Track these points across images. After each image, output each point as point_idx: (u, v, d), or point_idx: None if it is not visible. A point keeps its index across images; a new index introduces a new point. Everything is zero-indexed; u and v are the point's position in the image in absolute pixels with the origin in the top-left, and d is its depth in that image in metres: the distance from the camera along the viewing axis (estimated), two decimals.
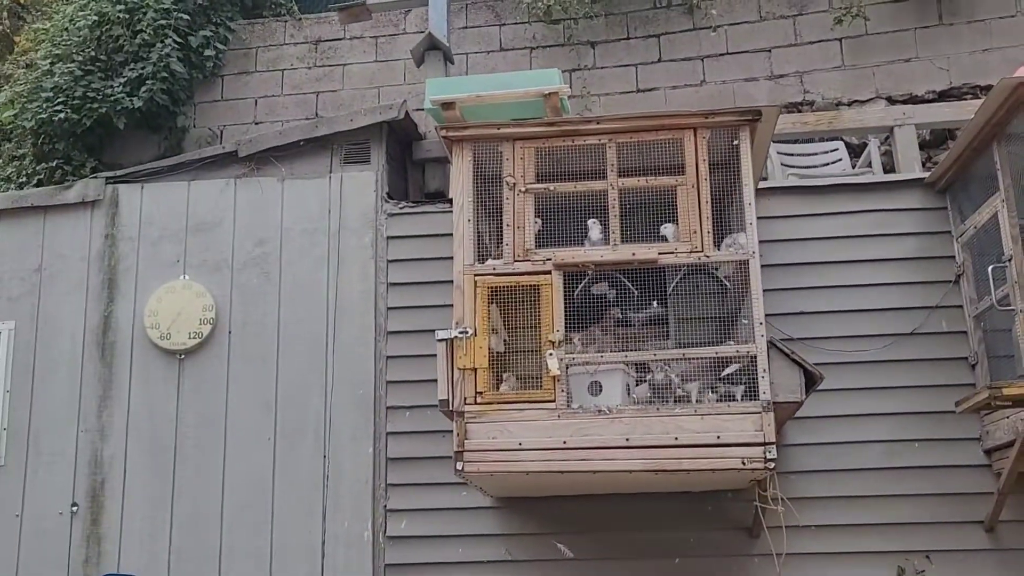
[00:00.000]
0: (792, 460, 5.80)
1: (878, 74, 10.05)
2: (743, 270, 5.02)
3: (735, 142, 5.13)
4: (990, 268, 5.32)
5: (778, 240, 6.13)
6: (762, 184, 6.39)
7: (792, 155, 8.06)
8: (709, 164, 5.19)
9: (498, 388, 5.03)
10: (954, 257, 5.97)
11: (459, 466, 4.89)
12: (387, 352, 6.29)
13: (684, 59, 10.11)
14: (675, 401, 4.96)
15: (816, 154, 8.35)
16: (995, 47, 9.54)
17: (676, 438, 4.78)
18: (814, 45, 10.27)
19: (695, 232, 5.03)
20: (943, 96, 9.51)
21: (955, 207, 6.01)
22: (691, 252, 5.02)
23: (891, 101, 9.72)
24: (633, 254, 5.04)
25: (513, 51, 10.24)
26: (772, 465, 4.71)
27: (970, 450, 5.72)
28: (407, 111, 6.66)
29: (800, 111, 9.62)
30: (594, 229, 5.30)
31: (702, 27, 10.37)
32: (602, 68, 10.24)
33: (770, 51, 10.27)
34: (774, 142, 7.98)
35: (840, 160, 8.10)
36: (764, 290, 5.89)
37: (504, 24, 10.33)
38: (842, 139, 8.87)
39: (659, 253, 5.03)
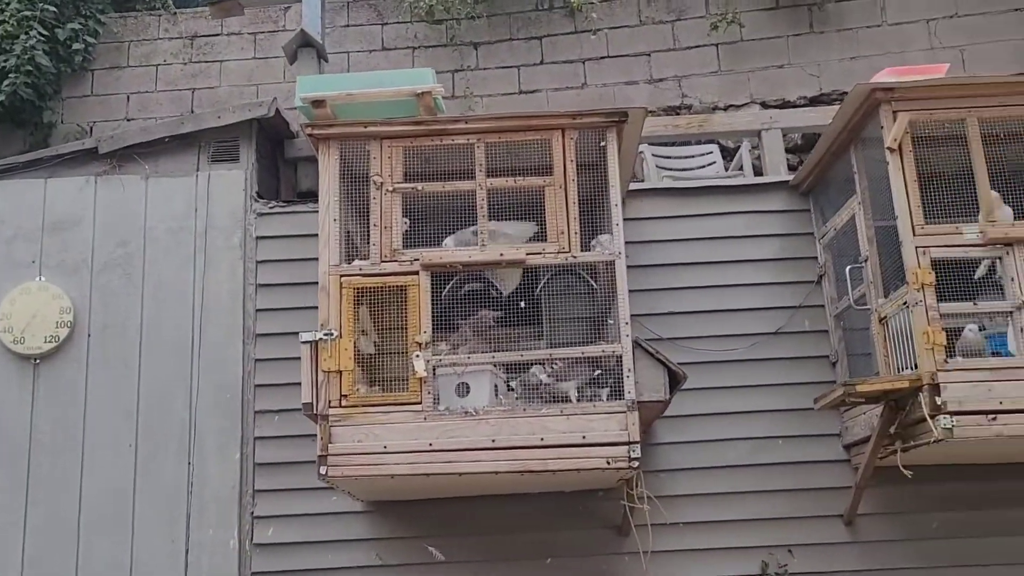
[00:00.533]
0: (661, 458, 5.87)
1: (753, 79, 10.29)
2: (610, 270, 5.04)
3: (602, 143, 5.16)
4: (847, 268, 5.48)
5: (650, 241, 6.21)
6: (636, 185, 6.47)
7: (669, 157, 8.18)
8: (581, 165, 5.21)
9: (372, 386, 4.94)
10: (817, 258, 6.13)
11: (322, 470, 4.79)
12: (256, 355, 6.14)
13: (566, 61, 10.18)
14: (556, 401, 4.93)
15: (692, 156, 8.49)
16: (862, 55, 9.88)
17: (542, 439, 4.78)
18: (692, 50, 10.46)
19: (562, 232, 5.04)
20: (814, 102, 9.79)
21: (817, 209, 6.17)
22: (558, 252, 5.02)
23: (765, 106, 9.95)
24: (501, 255, 5.02)
25: (395, 51, 10.15)
26: (636, 464, 4.75)
27: (831, 446, 5.87)
28: (278, 109, 6.51)
29: (679, 114, 9.79)
30: (450, 240, 5.27)
31: (583, 30, 10.46)
32: (485, 69, 10.23)
33: (649, 55, 10.43)
34: (651, 144, 8.13)
35: (714, 163, 8.26)
36: (637, 290, 5.99)
37: (386, 23, 10.22)
38: (717, 142, 9.05)
39: (527, 254, 5.02)
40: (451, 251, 5.10)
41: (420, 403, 4.85)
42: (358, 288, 5.01)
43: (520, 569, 5.77)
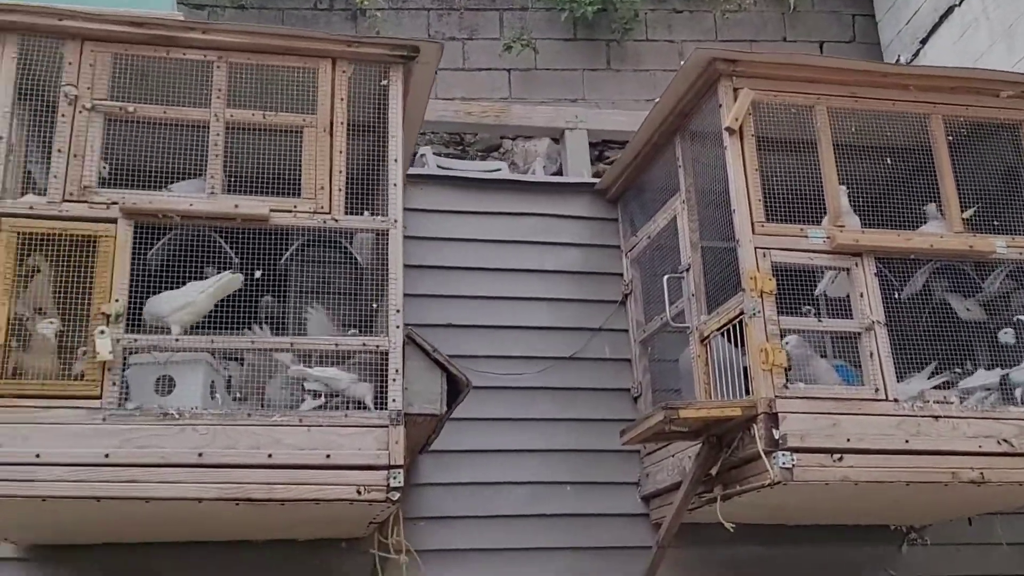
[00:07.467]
0: (422, 503, 4.67)
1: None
2: (382, 243, 3.87)
3: (383, 82, 4.02)
4: (665, 278, 4.58)
5: (427, 238, 5.11)
6: (414, 170, 5.38)
7: (453, 170, 7.21)
8: (353, 125, 4.06)
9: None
10: (622, 275, 5.22)
11: None
12: None
13: None
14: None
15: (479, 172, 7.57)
16: (658, 98, 9.39)
17: (270, 455, 3.47)
18: (482, 72, 9.71)
19: (322, 188, 3.83)
20: (606, 144, 9.21)
21: (626, 218, 5.29)
22: (315, 213, 3.80)
23: (556, 142, 9.26)
24: (236, 207, 3.73)
25: None
26: (397, 496, 3.52)
27: (627, 496, 4.88)
28: None
29: (463, 140, 8.91)
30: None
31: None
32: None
33: (436, 72, 9.56)
34: (436, 154, 7.16)
35: None
36: (407, 295, 4.88)
37: None
38: (512, 163, 8.27)
39: (271, 210, 3.76)
40: (165, 197, 3.77)
41: (100, 398, 3.43)
42: (26, 234, 3.57)
43: None
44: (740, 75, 4.25)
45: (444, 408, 3.76)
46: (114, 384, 3.46)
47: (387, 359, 3.66)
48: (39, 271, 3.74)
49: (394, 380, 3.63)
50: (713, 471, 4.07)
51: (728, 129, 4.15)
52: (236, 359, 3.83)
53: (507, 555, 4.70)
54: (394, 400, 3.60)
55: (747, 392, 4.00)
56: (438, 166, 7.05)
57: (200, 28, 3.87)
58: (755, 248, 4.02)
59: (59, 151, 3.67)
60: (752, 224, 4.06)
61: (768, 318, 3.92)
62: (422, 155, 7.01)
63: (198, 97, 3.91)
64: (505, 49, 9.53)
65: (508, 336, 5.05)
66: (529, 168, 7.53)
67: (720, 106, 4.23)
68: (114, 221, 3.63)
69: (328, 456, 3.51)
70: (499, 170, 7.73)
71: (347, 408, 3.66)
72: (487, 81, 9.61)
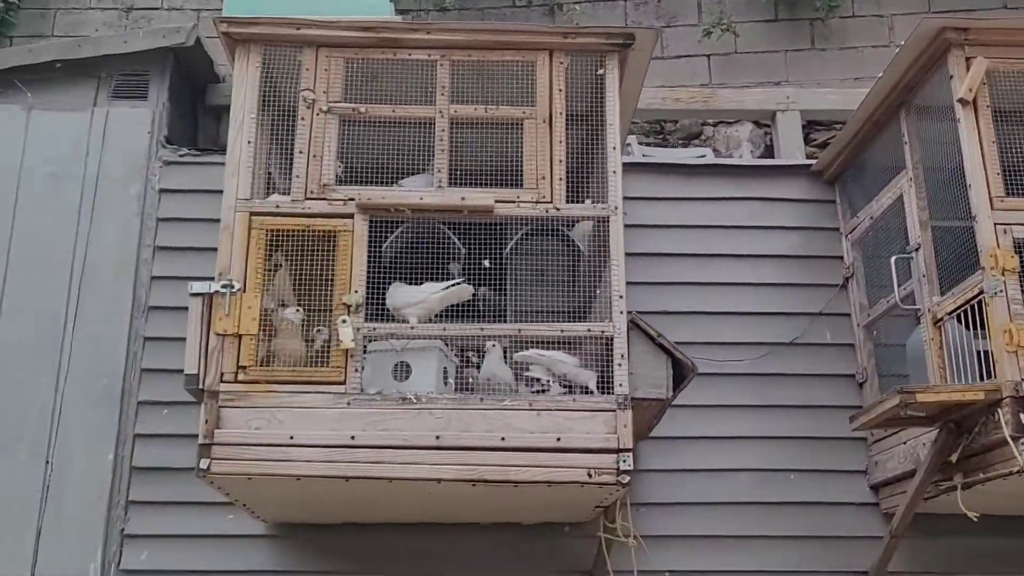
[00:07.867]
0: (643, 489, 4.70)
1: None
2: (602, 230, 3.92)
3: (600, 71, 4.07)
4: (893, 259, 4.41)
5: (638, 225, 5.10)
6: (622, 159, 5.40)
7: (660, 157, 7.19)
8: (567, 112, 4.12)
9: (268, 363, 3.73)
10: (842, 258, 5.07)
11: (204, 464, 3.54)
12: (146, 332, 4.90)
13: None
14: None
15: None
16: (867, 76, 8.96)
17: (503, 438, 3.59)
18: (681, 60, 9.59)
19: (544, 178, 3.91)
20: (811, 125, 8.93)
21: (845, 199, 5.14)
22: (537, 203, 3.89)
23: (758, 125, 9.05)
24: (462, 199, 3.87)
25: None
26: (627, 479, 3.56)
27: (854, 484, 4.75)
28: (200, 39, 5.35)
29: (663, 128, 8.84)
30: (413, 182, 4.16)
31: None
32: None
33: (649, 60, 9.51)
34: (640, 144, 7.14)
35: None
36: None
37: None
38: (715, 150, 8.14)
39: (496, 201, 3.87)
40: (397, 192, 3.95)
41: (344, 383, 3.64)
42: (273, 231, 3.83)
43: None
44: (972, 44, 4.05)
45: (670, 393, 3.78)
46: (356, 371, 3.66)
47: (611, 344, 3.71)
48: (280, 267, 4.01)
49: (619, 365, 3.67)
50: (952, 458, 3.90)
51: (961, 101, 3.97)
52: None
53: (730, 542, 4.67)
54: (620, 384, 3.65)
55: (985, 376, 3.83)
56: (642, 155, 7.06)
57: (424, 29, 4.03)
58: (994, 224, 3.84)
59: (300, 152, 3.91)
60: (990, 199, 3.87)
61: (1011, 297, 3.73)
62: (627, 144, 7.03)
63: (414, 95, 4.08)
64: (704, 35, 9.36)
65: (724, 322, 5.01)
66: (734, 153, 7.41)
67: (951, 77, 4.05)
68: (351, 216, 3.83)
69: (558, 439, 3.59)
70: (704, 156, 7.64)
71: (573, 393, 3.75)
72: (686, 68, 9.46)
